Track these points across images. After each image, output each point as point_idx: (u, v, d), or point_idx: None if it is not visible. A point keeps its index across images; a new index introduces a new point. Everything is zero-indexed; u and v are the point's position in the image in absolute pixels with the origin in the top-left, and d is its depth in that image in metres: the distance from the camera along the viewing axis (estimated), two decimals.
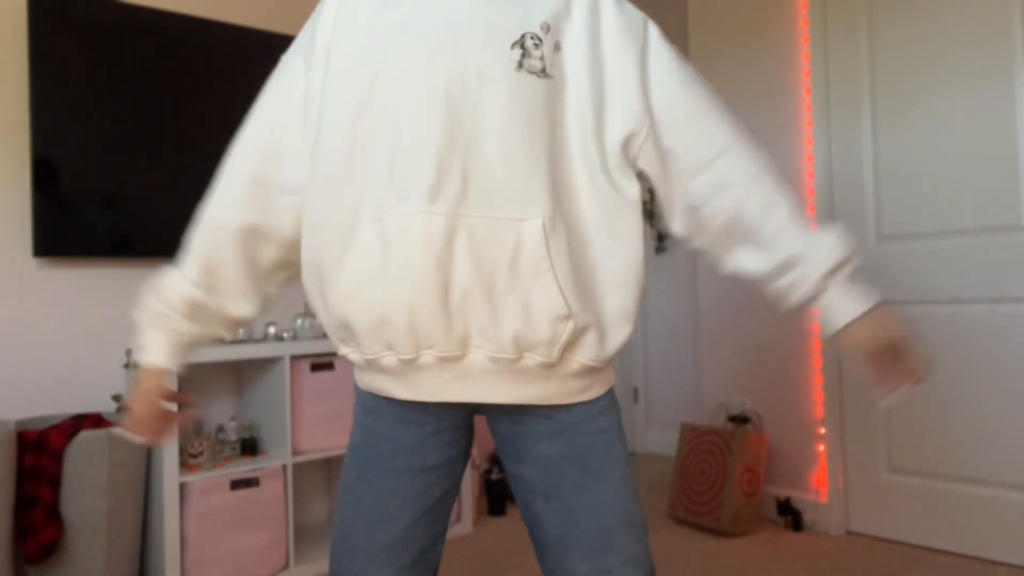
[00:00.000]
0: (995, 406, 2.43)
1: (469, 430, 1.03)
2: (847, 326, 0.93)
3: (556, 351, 0.89)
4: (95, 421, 2.27)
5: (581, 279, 0.90)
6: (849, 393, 2.78)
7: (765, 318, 3.03)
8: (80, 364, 2.43)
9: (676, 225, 1.04)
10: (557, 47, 0.91)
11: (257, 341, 2.55)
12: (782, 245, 0.94)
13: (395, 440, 0.97)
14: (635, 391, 4.30)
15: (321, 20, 0.97)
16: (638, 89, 0.95)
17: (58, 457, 2.08)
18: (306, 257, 0.97)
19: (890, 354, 0.93)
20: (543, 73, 0.90)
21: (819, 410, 2.85)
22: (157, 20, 2.53)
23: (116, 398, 2.44)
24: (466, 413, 1.01)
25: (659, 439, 4.22)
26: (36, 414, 2.35)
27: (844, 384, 2.80)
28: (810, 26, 2.87)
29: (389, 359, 0.92)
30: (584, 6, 0.94)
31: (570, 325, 0.88)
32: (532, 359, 0.90)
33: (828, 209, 2.83)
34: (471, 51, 0.88)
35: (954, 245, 2.52)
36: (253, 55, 2.72)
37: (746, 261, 0.98)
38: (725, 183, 0.97)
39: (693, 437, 3.02)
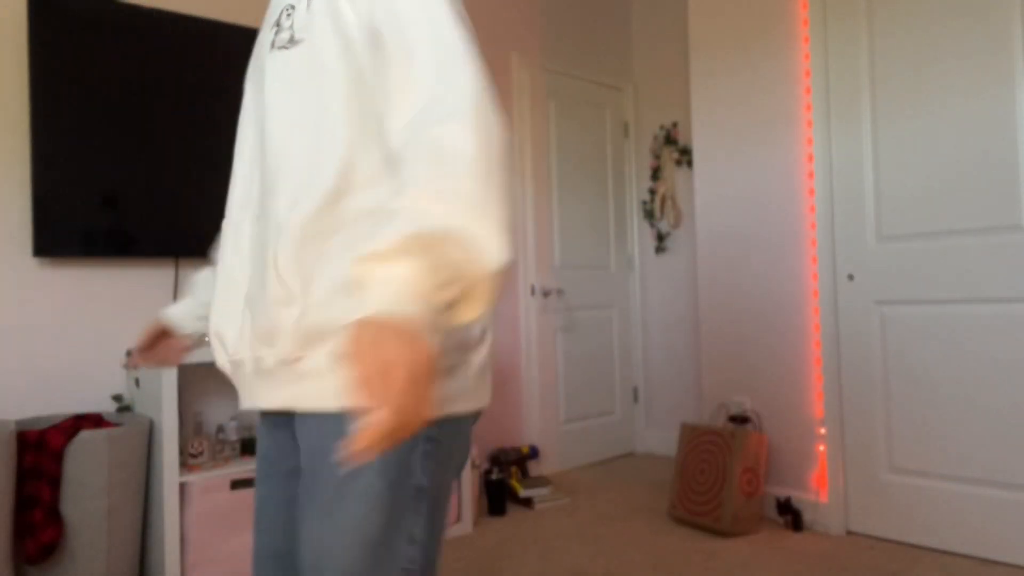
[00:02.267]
0: (995, 406, 2.43)
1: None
2: None
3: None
4: (95, 421, 2.27)
5: None
6: (849, 393, 2.79)
7: (765, 318, 3.03)
8: (80, 364, 2.43)
9: None
10: (308, 5, 0.85)
11: None
12: None
13: (261, 445, 0.98)
14: (635, 391, 4.30)
15: None
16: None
17: (58, 457, 2.08)
18: None
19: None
20: (291, 42, 0.85)
21: (819, 410, 2.85)
22: (157, 20, 2.53)
23: (116, 398, 2.44)
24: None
25: (659, 439, 4.22)
26: (36, 414, 2.35)
27: (844, 384, 2.80)
28: (810, 26, 2.87)
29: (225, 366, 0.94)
30: None
31: None
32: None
33: (828, 209, 2.83)
34: (262, 52, 0.91)
35: (954, 245, 2.52)
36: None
37: None
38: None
39: (693, 437, 3.02)
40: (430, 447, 0.82)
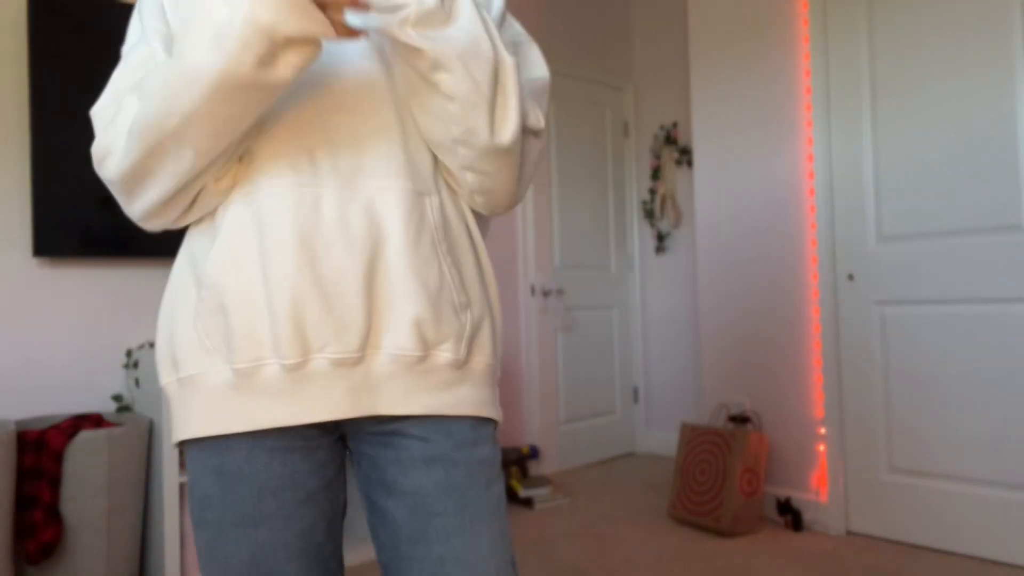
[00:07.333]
0: (995, 406, 2.43)
1: (343, 440, 0.87)
2: None
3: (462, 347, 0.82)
4: (95, 421, 2.27)
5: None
6: (849, 393, 2.79)
7: (765, 318, 3.03)
8: (80, 364, 2.43)
9: None
10: None
11: None
12: None
13: (259, 477, 0.78)
14: (635, 391, 4.30)
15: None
16: None
17: (58, 457, 2.08)
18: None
19: None
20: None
21: (819, 410, 2.85)
22: None
23: (116, 398, 2.44)
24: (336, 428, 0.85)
25: (659, 439, 4.22)
26: (36, 414, 2.35)
27: (844, 384, 2.80)
28: (810, 26, 2.87)
29: (271, 368, 0.76)
30: None
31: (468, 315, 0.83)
32: (441, 356, 0.81)
33: (828, 209, 2.83)
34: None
35: (954, 245, 2.52)
36: None
37: None
38: None
39: (693, 437, 3.02)
40: None
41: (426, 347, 0.79)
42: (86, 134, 2.39)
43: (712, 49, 3.24)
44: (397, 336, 0.78)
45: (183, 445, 0.83)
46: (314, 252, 0.76)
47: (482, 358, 0.85)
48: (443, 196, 0.84)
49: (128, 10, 2.48)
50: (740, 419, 3.00)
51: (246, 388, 0.77)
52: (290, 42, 0.69)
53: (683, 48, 4.14)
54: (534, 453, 3.59)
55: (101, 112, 0.81)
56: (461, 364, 0.82)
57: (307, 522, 0.80)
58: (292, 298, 0.74)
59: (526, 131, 0.86)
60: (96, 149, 0.80)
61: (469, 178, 0.84)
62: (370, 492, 0.85)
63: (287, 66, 0.71)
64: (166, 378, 0.82)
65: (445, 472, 0.80)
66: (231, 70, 0.69)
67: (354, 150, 0.79)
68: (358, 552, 2.61)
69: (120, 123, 0.77)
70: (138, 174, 0.77)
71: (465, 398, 0.83)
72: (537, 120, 0.86)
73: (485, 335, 0.85)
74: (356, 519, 2.79)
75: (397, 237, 0.78)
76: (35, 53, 2.31)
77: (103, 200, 2.41)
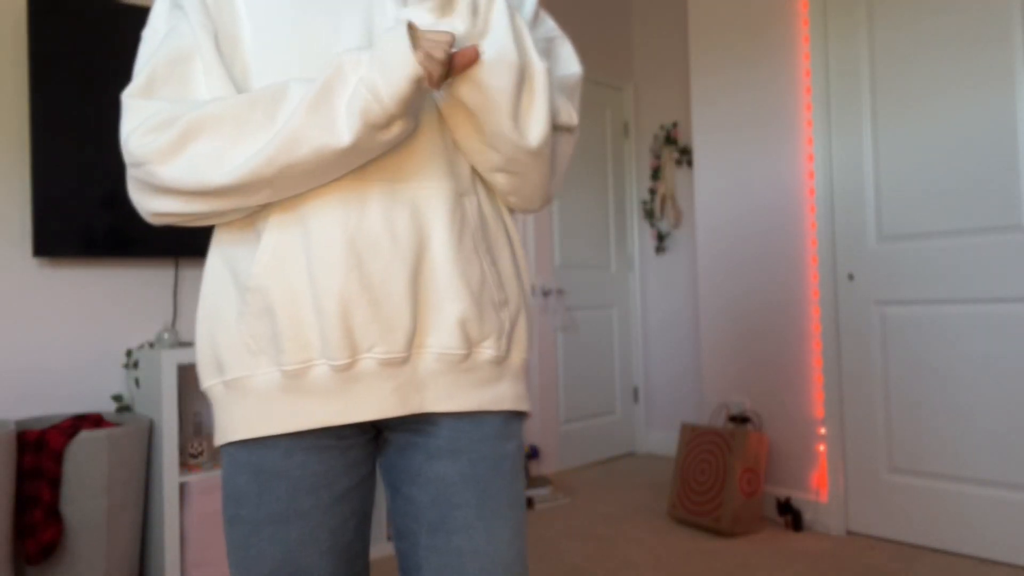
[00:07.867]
0: (995, 406, 2.43)
1: (375, 440, 0.89)
2: None
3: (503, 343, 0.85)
4: (95, 421, 2.27)
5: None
6: (849, 393, 2.79)
7: (765, 318, 3.03)
8: (80, 364, 2.43)
9: None
10: None
11: None
12: None
13: (295, 475, 0.80)
14: (635, 391, 4.30)
15: None
16: None
17: (58, 457, 2.08)
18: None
19: None
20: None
21: (819, 410, 2.85)
22: None
23: (116, 398, 2.44)
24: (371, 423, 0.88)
25: (659, 439, 4.22)
26: (36, 414, 2.35)
27: (844, 384, 2.80)
28: (810, 26, 2.87)
29: (319, 369, 0.77)
30: None
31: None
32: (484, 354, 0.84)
33: (828, 209, 2.83)
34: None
35: (954, 245, 2.52)
36: None
37: None
38: None
39: (693, 437, 3.02)
40: None
41: (469, 345, 0.81)
42: (87, 134, 2.39)
43: (712, 49, 3.24)
44: (442, 335, 0.80)
45: (223, 446, 0.84)
46: (361, 254, 0.76)
47: (519, 353, 0.88)
48: (480, 196, 0.86)
49: (129, 10, 2.48)
50: (740, 419, 3.00)
51: (294, 389, 0.78)
52: (403, 115, 0.73)
53: (683, 48, 4.14)
54: (534, 453, 3.60)
55: (143, 110, 0.78)
56: (501, 360, 0.85)
57: (339, 520, 0.82)
58: (340, 300, 0.75)
59: (559, 128, 0.88)
60: (140, 150, 0.75)
61: (500, 180, 0.86)
62: (395, 479, 0.86)
63: (398, 130, 0.75)
64: (210, 380, 0.83)
65: (471, 464, 0.82)
66: (358, 142, 0.73)
67: (397, 153, 0.80)
68: (373, 549, 2.61)
69: (188, 152, 0.75)
70: (192, 192, 0.75)
71: (504, 394, 0.85)
72: (569, 117, 0.88)
73: (521, 330, 0.88)
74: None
75: (441, 237, 0.79)
76: (36, 53, 2.31)
77: (103, 200, 2.41)
